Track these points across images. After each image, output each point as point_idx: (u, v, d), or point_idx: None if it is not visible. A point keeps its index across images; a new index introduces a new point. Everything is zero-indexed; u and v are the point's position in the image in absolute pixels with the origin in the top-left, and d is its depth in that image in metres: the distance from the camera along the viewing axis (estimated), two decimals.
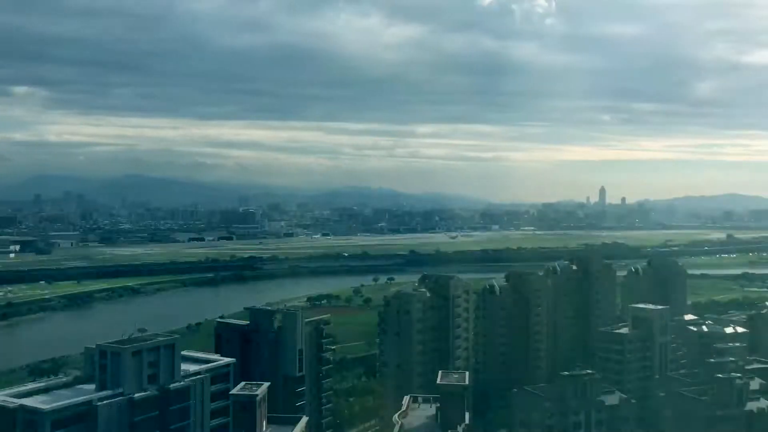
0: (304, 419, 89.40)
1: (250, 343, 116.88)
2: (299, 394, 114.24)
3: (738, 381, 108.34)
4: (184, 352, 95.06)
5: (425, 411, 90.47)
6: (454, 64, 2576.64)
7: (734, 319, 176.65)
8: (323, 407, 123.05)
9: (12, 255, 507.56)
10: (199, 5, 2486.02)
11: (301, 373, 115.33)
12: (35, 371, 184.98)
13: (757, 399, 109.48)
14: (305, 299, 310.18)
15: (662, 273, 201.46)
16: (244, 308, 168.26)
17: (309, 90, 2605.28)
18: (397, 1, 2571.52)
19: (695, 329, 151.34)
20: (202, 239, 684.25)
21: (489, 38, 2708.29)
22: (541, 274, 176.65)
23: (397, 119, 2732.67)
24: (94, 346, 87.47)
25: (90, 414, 78.99)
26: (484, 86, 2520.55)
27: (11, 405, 77.46)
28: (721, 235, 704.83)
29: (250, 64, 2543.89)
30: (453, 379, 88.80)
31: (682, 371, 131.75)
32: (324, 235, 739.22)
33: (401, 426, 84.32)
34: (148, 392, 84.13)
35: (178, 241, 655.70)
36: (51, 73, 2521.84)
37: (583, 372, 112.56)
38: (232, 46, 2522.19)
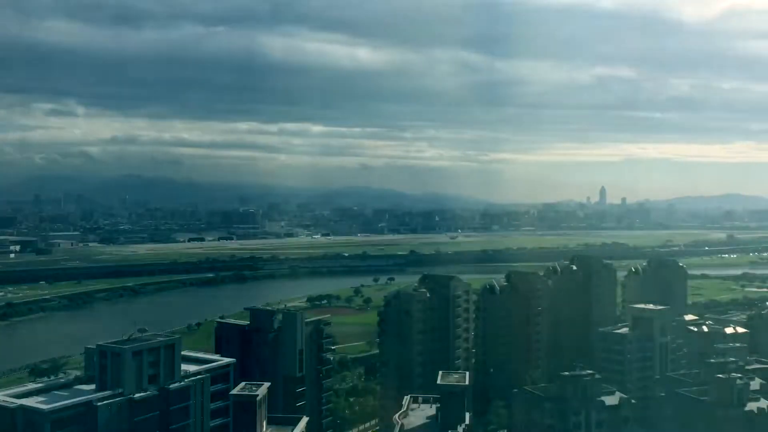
0: (305, 419, 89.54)
1: (250, 343, 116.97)
2: (299, 394, 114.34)
3: (738, 381, 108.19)
4: (184, 352, 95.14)
5: (425, 411, 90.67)
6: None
7: (734, 319, 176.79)
8: (323, 407, 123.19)
9: (12, 255, 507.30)
10: None
11: (301, 374, 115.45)
12: (35, 371, 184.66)
13: (757, 399, 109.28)
14: (305, 299, 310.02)
15: (662, 273, 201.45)
16: (244, 308, 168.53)
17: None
18: None
19: (695, 329, 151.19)
20: (202, 239, 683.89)
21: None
22: (541, 274, 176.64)
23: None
24: (94, 346, 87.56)
25: (90, 414, 79.04)
26: None
27: (11, 405, 77.53)
28: (721, 235, 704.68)
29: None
30: (453, 379, 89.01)
31: (682, 371, 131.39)
32: (324, 235, 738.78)
33: (401, 426, 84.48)
34: (148, 392, 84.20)
35: (178, 241, 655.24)
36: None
37: (584, 372, 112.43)
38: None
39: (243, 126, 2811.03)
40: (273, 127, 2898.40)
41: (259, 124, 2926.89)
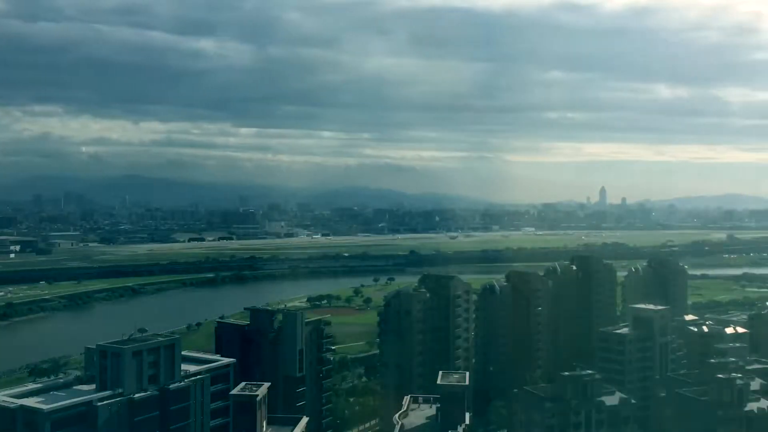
0: (305, 419, 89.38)
1: (250, 343, 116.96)
2: (299, 394, 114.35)
3: (738, 381, 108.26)
4: (184, 353, 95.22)
5: (425, 411, 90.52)
6: None
7: (734, 319, 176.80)
8: (323, 407, 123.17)
9: (12, 255, 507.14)
10: None
11: (301, 374, 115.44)
12: (35, 371, 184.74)
13: (757, 399, 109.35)
14: (305, 299, 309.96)
15: (662, 273, 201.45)
16: (245, 308, 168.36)
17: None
18: None
19: (695, 329, 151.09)
20: (202, 239, 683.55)
21: None
22: (541, 274, 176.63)
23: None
24: (94, 346, 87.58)
25: (90, 414, 79.09)
26: None
27: (11, 405, 77.60)
28: (721, 236, 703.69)
29: None
30: (453, 379, 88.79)
31: (682, 371, 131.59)
32: (324, 235, 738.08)
33: (401, 426, 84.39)
34: (149, 392, 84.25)
35: (178, 241, 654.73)
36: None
37: (584, 372, 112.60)
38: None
39: (160, 126, 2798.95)
40: (194, 127, 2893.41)
41: (179, 123, 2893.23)
